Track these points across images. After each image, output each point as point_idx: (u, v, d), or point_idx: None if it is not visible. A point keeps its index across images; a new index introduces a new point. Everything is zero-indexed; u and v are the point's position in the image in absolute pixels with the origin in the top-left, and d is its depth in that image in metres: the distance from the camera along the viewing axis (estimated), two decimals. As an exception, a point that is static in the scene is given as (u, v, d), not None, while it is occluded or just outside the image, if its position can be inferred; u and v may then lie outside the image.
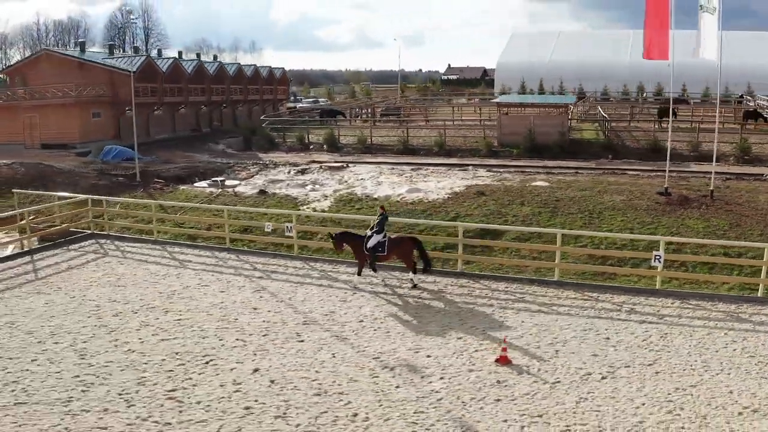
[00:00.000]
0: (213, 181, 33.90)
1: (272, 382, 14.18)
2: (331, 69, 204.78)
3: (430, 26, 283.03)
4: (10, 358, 15.26)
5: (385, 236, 19.93)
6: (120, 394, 13.56)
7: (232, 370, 14.80)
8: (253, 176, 35.97)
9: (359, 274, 20.87)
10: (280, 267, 22.94)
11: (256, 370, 14.74)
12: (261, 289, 20.40)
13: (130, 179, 35.44)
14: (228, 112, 66.28)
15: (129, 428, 12.28)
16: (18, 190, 30.46)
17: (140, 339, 16.45)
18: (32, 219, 26.98)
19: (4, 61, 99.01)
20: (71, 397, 13.42)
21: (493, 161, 40.44)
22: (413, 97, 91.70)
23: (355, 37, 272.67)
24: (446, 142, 44.44)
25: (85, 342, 16.24)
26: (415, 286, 20.24)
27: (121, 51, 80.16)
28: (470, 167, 37.88)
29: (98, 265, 23.11)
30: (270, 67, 74.63)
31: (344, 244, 20.58)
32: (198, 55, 71.05)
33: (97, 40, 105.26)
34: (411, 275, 20.43)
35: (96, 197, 27.98)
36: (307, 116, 63.43)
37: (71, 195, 28.88)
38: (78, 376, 14.37)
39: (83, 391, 13.70)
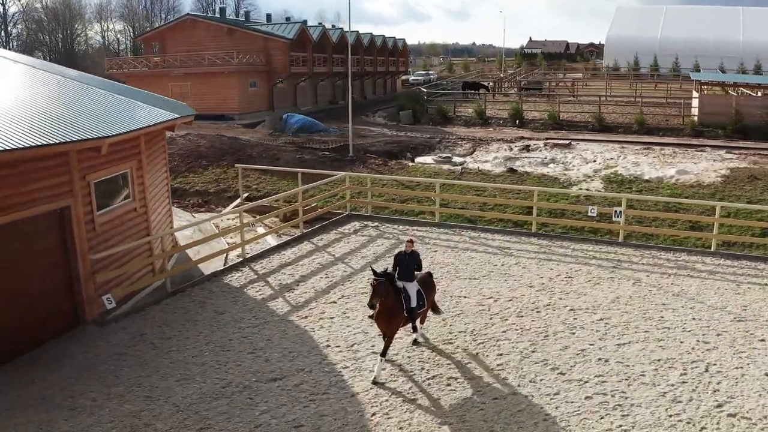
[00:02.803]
0: (441, 157, 30.24)
1: None
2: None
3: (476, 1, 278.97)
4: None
5: (416, 284, 12.66)
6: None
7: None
8: (471, 153, 32.22)
9: (384, 353, 12.13)
10: (615, 255, 19.33)
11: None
12: (637, 281, 16.88)
13: (340, 153, 31.81)
14: (357, 83, 62.68)
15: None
16: (241, 165, 26.99)
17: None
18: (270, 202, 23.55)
19: (104, 30, 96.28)
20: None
21: (711, 142, 36.55)
22: (538, 71, 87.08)
23: (401, 11, 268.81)
24: (645, 121, 40.47)
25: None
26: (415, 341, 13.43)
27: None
28: (707, 148, 33.95)
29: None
30: (394, 38, 70.60)
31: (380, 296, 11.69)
32: (319, 24, 67.23)
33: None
34: (418, 330, 13.45)
35: (356, 174, 24.49)
36: (420, 89, 59.64)
37: (328, 172, 25.30)
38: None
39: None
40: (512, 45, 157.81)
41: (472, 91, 56.45)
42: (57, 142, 12.82)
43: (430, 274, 13.61)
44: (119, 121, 15.78)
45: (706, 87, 43.63)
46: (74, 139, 13.36)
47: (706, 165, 29.44)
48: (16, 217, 12.89)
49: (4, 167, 12.36)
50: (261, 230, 22.09)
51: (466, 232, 21.60)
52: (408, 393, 11.42)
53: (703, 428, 10.41)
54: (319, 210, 23.12)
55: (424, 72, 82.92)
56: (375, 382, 11.75)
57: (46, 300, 13.97)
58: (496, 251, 19.57)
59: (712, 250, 19.75)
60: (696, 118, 40.23)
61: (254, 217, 22.38)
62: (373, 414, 10.75)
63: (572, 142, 33.66)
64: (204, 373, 12.26)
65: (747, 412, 10.86)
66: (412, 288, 12.54)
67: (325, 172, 24.94)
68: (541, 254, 19.34)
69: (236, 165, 27.05)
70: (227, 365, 12.57)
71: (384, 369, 12.09)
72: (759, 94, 43.13)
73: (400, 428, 10.36)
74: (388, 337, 12.15)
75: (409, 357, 12.77)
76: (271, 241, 21.21)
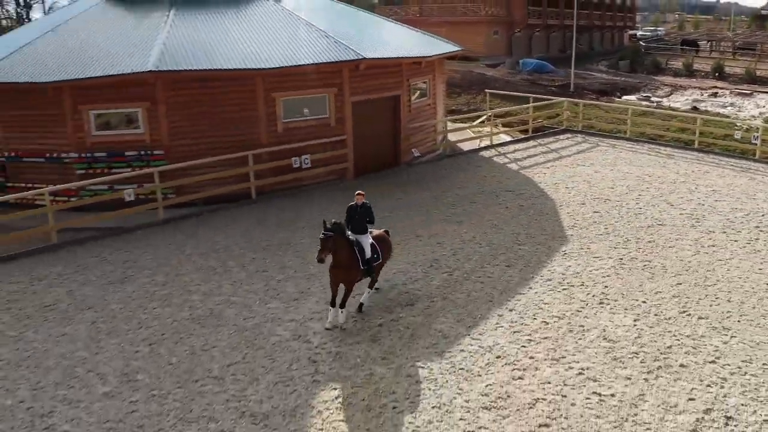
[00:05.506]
0: (642, 96, 38.78)
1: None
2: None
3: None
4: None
5: (369, 237, 12.93)
6: None
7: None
8: (669, 95, 40.32)
9: (343, 305, 12.55)
10: (747, 165, 27.05)
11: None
12: (752, 179, 25.00)
13: (563, 89, 41.35)
14: (585, 36, 70.54)
15: None
16: (489, 90, 37.50)
17: None
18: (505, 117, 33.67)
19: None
20: None
21: None
22: (760, 33, 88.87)
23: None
24: None
25: None
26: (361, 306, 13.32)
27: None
28: None
29: (601, 151, 29.02)
30: (624, -6, 77.19)
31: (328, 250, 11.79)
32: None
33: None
34: (368, 290, 13.58)
35: (572, 99, 34.15)
36: (640, 43, 65.78)
37: (552, 98, 35.25)
38: None
39: None
40: (757, 3, 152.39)
41: (689, 48, 62.43)
42: (398, 56, 24.33)
43: (387, 232, 13.75)
44: (426, 48, 26.99)
45: None
46: (407, 56, 24.87)
47: None
48: (378, 96, 24.45)
49: (376, 68, 23.81)
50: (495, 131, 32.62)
51: (646, 144, 30.58)
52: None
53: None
54: (541, 122, 33.07)
55: (653, 28, 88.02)
56: (331, 326, 12.34)
57: (383, 148, 25.59)
58: (662, 155, 28.50)
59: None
60: None
61: (496, 123, 32.92)
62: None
63: (754, 93, 40.58)
64: (468, 186, 23.12)
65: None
66: (366, 240, 12.71)
67: (549, 98, 34.86)
68: (693, 160, 27.94)
69: (486, 90, 37.55)
70: (487, 188, 23.33)
71: (344, 320, 12.59)
72: None
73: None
74: (346, 289, 12.41)
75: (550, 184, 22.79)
76: (505, 137, 31.69)
